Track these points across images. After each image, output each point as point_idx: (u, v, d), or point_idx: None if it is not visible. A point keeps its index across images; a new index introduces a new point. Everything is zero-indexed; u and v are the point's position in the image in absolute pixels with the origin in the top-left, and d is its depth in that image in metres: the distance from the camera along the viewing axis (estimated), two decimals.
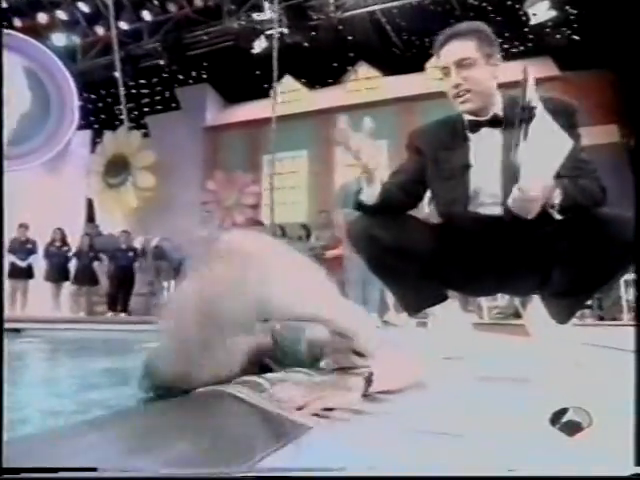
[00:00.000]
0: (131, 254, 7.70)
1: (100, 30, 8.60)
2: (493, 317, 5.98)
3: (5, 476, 0.49)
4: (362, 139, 1.35)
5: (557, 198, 1.33)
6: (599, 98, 7.19)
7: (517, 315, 1.78)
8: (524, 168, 1.32)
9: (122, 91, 8.77)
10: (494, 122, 1.55)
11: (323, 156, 8.95)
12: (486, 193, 1.53)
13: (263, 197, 9.82)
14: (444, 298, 1.67)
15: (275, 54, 6.95)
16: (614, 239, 1.35)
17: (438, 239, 1.60)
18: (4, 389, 0.59)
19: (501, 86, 1.61)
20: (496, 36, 1.56)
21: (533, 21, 7.28)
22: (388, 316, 4.53)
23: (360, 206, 1.55)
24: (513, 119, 1.49)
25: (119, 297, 7.48)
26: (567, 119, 1.47)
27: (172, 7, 8.50)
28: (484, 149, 1.55)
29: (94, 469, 0.47)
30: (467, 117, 1.58)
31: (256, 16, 8.28)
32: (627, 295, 6.04)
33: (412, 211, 1.72)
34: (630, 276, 5.79)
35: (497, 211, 1.50)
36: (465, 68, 1.49)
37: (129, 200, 10.09)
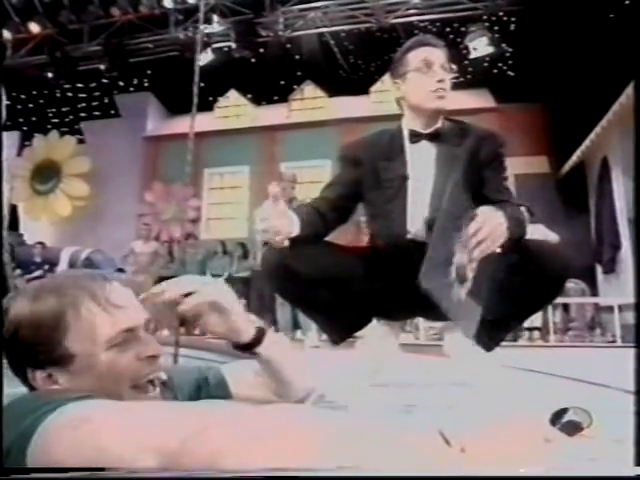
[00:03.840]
0: (47, 267, 7.23)
1: (34, 27, 8.12)
2: (430, 338, 6.07)
3: (5, 476, 0.49)
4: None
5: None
6: (531, 130, 7.62)
7: None
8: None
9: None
10: (433, 136, 1.57)
11: (265, 173, 8.88)
12: (419, 206, 1.54)
13: (203, 211, 9.60)
14: (367, 321, 1.63)
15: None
16: (544, 269, 1.36)
17: (358, 265, 1.56)
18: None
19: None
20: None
21: (473, 55, 7.63)
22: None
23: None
24: (448, 139, 1.51)
25: None
26: (494, 148, 1.54)
27: (116, 12, 8.20)
28: (420, 162, 1.56)
29: (95, 469, 0.47)
30: (409, 128, 1.60)
31: (203, 28, 8.15)
32: (554, 317, 6.34)
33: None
34: (557, 299, 6.17)
35: (422, 230, 1.52)
36: (445, 70, 1.57)
37: (59, 208, 9.53)
